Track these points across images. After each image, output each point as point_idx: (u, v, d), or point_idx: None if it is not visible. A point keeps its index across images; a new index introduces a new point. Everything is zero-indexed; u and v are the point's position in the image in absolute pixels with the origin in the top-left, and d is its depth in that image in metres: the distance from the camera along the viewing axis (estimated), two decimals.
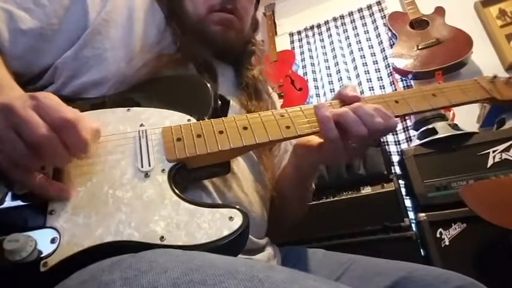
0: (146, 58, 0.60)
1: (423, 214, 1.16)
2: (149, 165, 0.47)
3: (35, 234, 0.39)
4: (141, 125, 0.52)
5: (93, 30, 0.59)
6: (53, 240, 0.39)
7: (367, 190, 1.29)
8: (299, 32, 2.54)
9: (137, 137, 0.50)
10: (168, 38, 0.66)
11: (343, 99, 0.59)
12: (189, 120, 0.53)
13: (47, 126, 0.39)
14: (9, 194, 0.42)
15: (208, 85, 0.58)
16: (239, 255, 0.47)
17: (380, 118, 0.53)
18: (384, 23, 2.19)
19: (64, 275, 0.35)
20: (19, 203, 0.42)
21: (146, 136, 0.50)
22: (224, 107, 0.60)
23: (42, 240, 0.39)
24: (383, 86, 2.09)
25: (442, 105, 0.60)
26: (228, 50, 0.71)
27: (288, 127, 0.53)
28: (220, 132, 0.51)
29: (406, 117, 1.87)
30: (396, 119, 0.55)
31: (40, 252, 0.38)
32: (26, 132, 0.38)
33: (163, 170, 0.47)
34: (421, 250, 1.16)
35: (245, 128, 0.52)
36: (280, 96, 2.16)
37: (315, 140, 0.60)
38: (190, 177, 0.51)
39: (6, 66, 0.53)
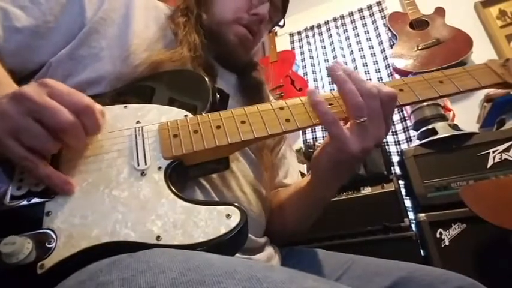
0: (143, 57, 0.59)
1: (423, 214, 1.16)
2: (145, 164, 0.46)
3: (32, 235, 0.38)
4: (138, 121, 0.51)
5: (90, 29, 0.59)
6: (49, 242, 0.39)
7: (367, 190, 1.29)
8: (299, 32, 2.54)
9: (133, 134, 0.49)
10: (169, 37, 0.66)
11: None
12: (186, 115, 0.52)
13: (69, 111, 0.40)
14: (7, 195, 0.42)
15: (206, 79, 0.57)
16: (239, 255, 0.47)
17: (371, 85, 0.50)
18: (384, 23, 2.20)
19: (61, 276, 0.35)
20: (16, 204, 0.41)
21: (142, 133, 0.49)
22: (223, 102, 0.59)
23: (39, 242, 0.38)
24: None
25: (450, 92, 0.56)
26: (231, 60, 0.73)
27: (287, 120, 0.51)
28: (218, 127, 0.50)
29: (406, 118, 1.87)
30: (392, 89, 0.52)
31: (37, 254, 0.37)
32: (50, 119, 0.39)
33: (159, 168, 0.46)
34: (421, 250, 1.16)
35: (243, 122, 0.51)
36: (280, 97, 2.15)
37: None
38: (188, 174, 0.51)
39: (1, 63, 0.53)
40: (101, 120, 0.44)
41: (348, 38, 2.33)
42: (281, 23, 0.83)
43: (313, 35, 2.48)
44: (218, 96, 0.57)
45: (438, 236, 1.11)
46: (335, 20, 2.43)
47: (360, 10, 2.37)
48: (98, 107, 0.44)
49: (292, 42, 2.54)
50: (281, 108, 0.53)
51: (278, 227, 0.71)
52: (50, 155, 0.44)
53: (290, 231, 0.73)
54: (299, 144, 2.06)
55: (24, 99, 0.39)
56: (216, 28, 0.69)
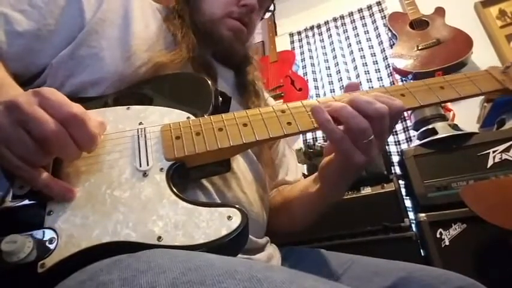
0: (145, 57, 0.60)
1: (423, 214, 1.15)
2: (147, 165, 0.47)
3: (33, 234, 0.39)
4: (140, 123, 0.51)
5: (90, 30, 0.59)
6: (50, 241, 0.39)
7: (367, 190, 1.28)
8: (299, 32, 2.54)
9: (136, 135, 0.50)
10: (168, 37, 0.66)
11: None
12: (188, 118, 0.52)
13: (55, 122, 0.39)
14: (9, 194, 0.42)
15: (209, 82, 0.57)
16: (239, 255, 0.47)
17: (380, 103, 0.49)
18: (384, 23, 2.19)
19: (62, 275, 0.35)
20: (18, 203, 0.41)
21: (145, 135, 0.50)
22: (225, 104, 0.59)
23: (40, 241, 0.39)
24: (383, 86, 2.07)
25: (451, 97, 0.57)
26: (229, 56, 0.73)
27: (289, 123, 0.52)
28: (220, 129, 0.50)
29: (406, 118, 1.87)
30: (400, 101, 0.51)
31: (38, 253, 0.38)
32: (35, 129, 0.38)
33: (161, 169, 0.47)
34: (421, 250, 1.15)
35: (245, 125, 0.51)
36: (280, 97, 2.16)
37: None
38: (190, 176, 0.51)
39: (5, 67, 0.53)
40: (95, 131, 0.42)
41: (348, 38, 2.33)
42: (271, 8, 0.82)
43: (313, 35, 2.48)
44: (220, 99, 0.58)
45: (438, 236, 1.11)
46: (335, 20, 2.43)
47: (360, 10, 2.37)
48: (95, 119, 0.43)
49: (292, 42, 2.54)
50: (283, 112, 0.53)
51: (286, 225, 0.73)
52: (49, 162, 0.43)
53: (298, 229, 0.75)
54: (299, 144, 2.06)
55: (14, 109, 0.38)
56: (209, 26, 0.69)
